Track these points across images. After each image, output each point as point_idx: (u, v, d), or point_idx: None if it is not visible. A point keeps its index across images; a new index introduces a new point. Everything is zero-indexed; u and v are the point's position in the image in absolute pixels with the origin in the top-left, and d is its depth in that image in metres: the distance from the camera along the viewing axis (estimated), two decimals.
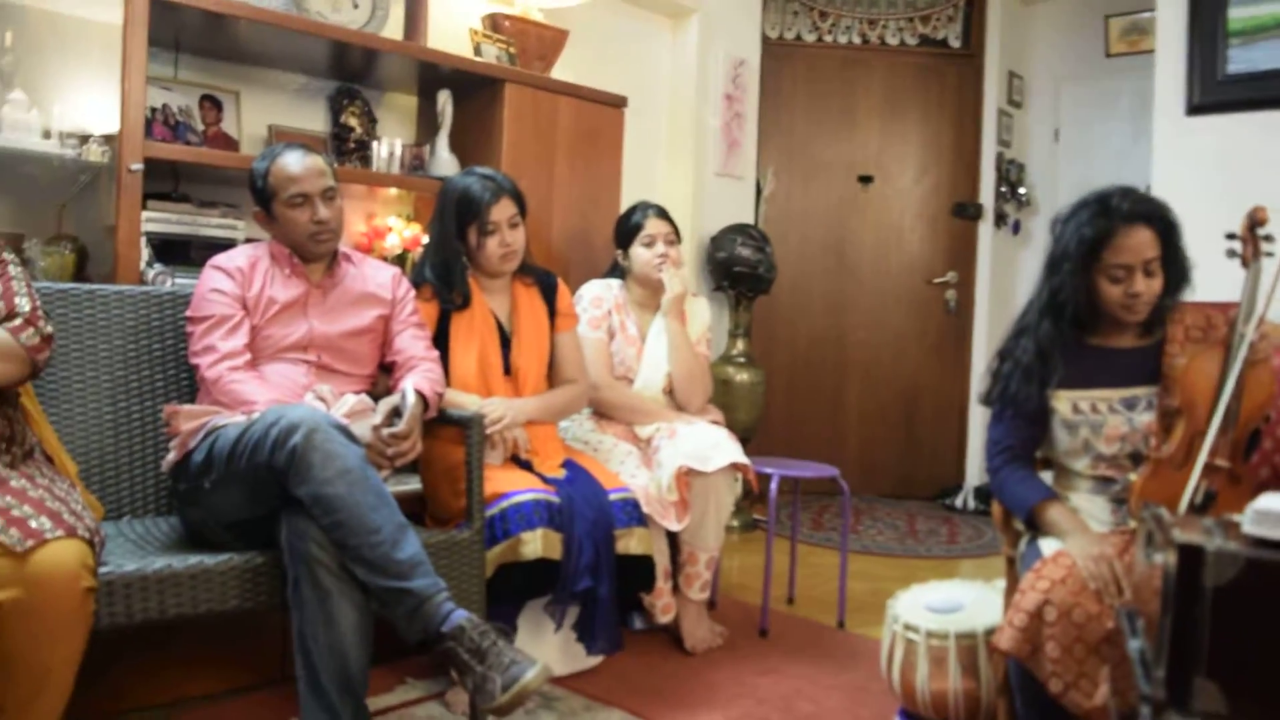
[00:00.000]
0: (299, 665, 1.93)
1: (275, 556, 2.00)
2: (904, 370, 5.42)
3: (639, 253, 3.07)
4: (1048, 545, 1.99)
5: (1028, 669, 1.84)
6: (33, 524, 1.72)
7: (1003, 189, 5.46)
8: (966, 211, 5.37)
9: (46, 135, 2.55)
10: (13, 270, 2.03)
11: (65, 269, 2.66)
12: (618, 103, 3.73)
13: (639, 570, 2.63)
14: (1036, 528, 2.07)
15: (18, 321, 1.93)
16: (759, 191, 4.93)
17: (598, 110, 3.66)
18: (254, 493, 2.01)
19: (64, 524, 1.74)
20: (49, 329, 1.97)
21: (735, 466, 2.81)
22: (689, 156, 4.54)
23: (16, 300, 1.97)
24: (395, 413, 2.25)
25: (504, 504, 2.42)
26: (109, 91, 2.59)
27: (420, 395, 2.31)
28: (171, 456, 2.18)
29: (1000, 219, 5.46)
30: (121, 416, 2.35)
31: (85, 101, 2.68)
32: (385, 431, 2.18)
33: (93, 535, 1.80)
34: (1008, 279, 5.56)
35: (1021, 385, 2.09)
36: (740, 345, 4.53)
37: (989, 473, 2.18)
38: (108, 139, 2.60)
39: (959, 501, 5.22)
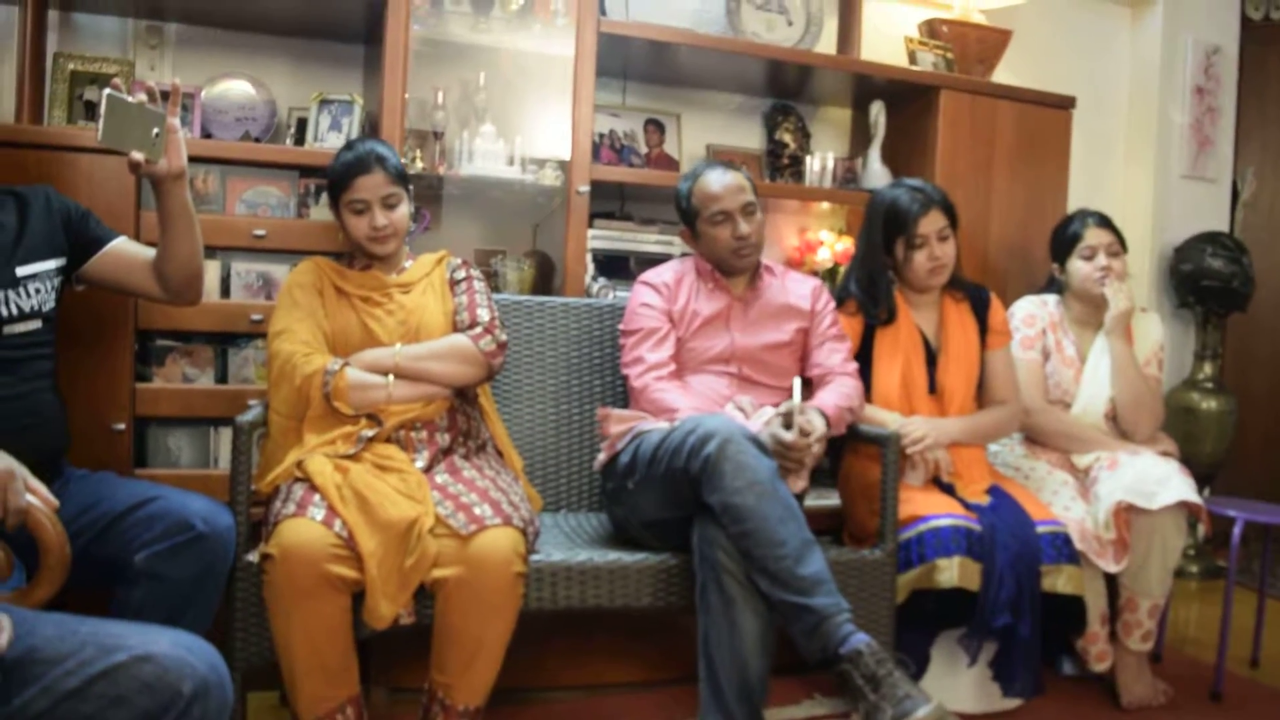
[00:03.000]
0: (701, 666, 1.99)
1: (689, 559, 2.08)
2: None
3: (1078, 266, 2.83)
4: None
5: None
6: (476, 510, 1.93)
7: None
8: None
9: (510, 162, 2.85)
10: (477, 284, 2.31)
11: (526, 282, 2.96)
12: (1064, 104, 3.48)
13: (1069, 611, 2.44)
14: None
15: (478, 330, 2.19)
16: (1235, 196, 4.36)
17: (1042, 113, 3.43)
18: (671, 496, 2.09)
19: (502, 513, 1.94)
20: (503, 337, 2.22)
21: (1185, 505, 2.50)
22: (1149, 158, 4.12)
23: (478, 311, 2.24)
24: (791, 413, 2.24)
25: (921, 527, 2.34)
26: (564, 120, 2.85)
27: (822, 413, 2.26)
28: (601, 457, 2.34)
29: None
30: (563, 418, 2.57)
31: (544, 130, 2.96)
32: (771, 433, 2.14)
33: (527, 525, 1.98)
34: None
35: None
36: (1207, 369, 4.02)
37: None
38: (561, 164, 2.86)
39: None
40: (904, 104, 3.35)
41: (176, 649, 1.24)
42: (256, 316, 2.49)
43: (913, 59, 3.42)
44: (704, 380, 2.42)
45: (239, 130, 2.73)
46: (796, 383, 2.26)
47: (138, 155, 1.85)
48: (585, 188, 2.79)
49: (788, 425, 2.17)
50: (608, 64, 2.95)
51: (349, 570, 1.83)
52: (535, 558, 2.00)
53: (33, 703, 1.18)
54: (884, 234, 2.64)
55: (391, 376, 2.10)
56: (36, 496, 1.55)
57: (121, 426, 2.39)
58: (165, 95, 1.92)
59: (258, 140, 2.76)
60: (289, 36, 2.96)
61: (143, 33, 2.88)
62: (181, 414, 2.49)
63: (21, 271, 1.89)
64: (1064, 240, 2.88)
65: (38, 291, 1.91)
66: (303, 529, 1.82)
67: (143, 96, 1.87)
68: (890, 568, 2.26)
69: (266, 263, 2.57)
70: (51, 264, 1.96)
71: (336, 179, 2.20)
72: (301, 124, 2.82)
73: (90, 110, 2.72)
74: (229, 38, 2.92)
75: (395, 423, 2.08)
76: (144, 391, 2.44)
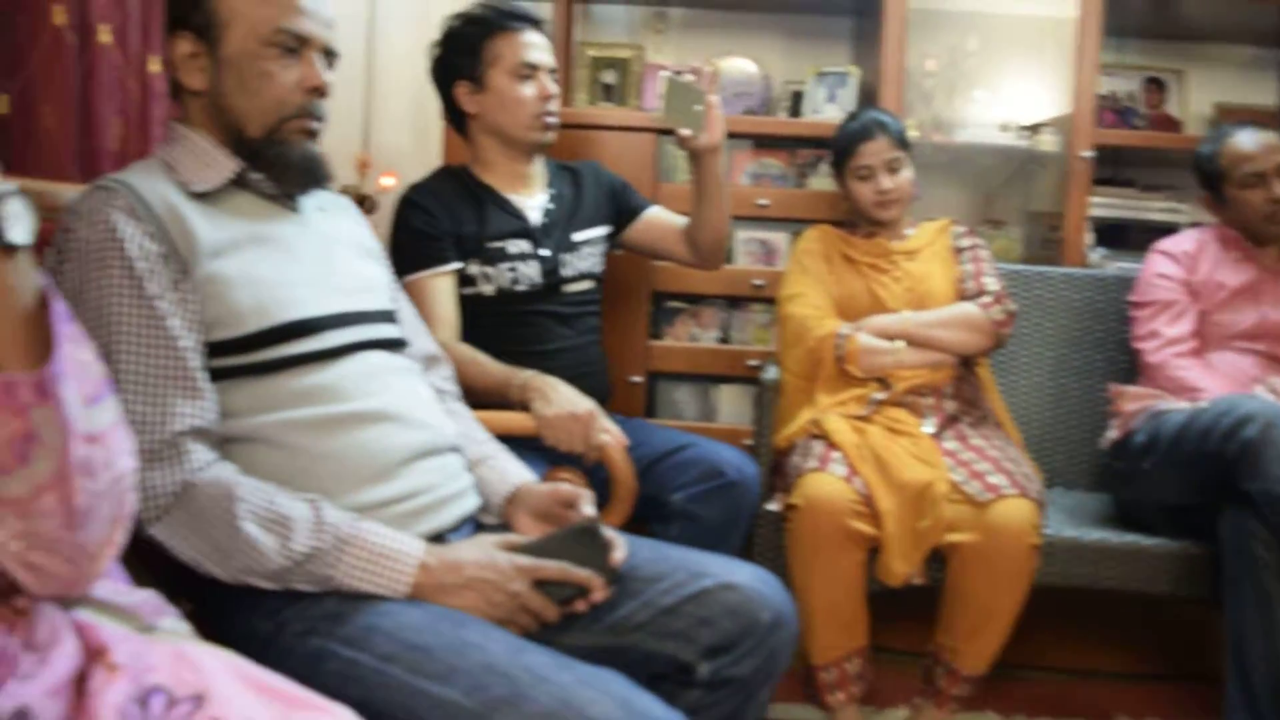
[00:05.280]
0: (1230, 665, 1.86)
1: (1210, 548, 1.95)
2: None
3: None
4: None
5: None
6: (991, 479, 1.93)
7: None
8: None
9: (1003, 129, 2.78)
10: (982, 253, 2.29)
11: (1011, 251, 2.89)
12: None
13: None
14: None
15: (988, 299, 2.18)
16: None
17: None
18: (1195, 480, 1.97)
19: (1018, 484, 1.92)
20: (1013, 306, 2.19)
21: None
22: None
23: (985, 280, 2.22)
24: None
25: None
26: (1056, 82, 2.74)
27: None
28: (1112, 434, 2.24)
29: None
30: (1061, 392, 2.50)
31: (1034, 93, 2.86)
32: None
33: (1041, 498, 1.95)
34: None
35: None
36: None
37: None
38: (1058, 128, 2.75)
39: None
40: None
41: (756, 581, 1.35)
42: (758, 282, 2.64)
43: None
44: (1226, 358, 2.24)
45: (739, 106, 2.88)
46: None
47: (686, 130, 2.01)
48: (1089, 152, 2.66)
49: None
50: (1105, 20, 2.79)
51: (866, 526, 1.90)
52: (1046, 532, 1.97)
53: (635, 614, 1.33)
54: None
55: (901, 342, 2.14)
56: (609, 435, 1.76)
57: (638, 379, 2.63)
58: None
59: (755, 114, 2.90)
60: (780, 13, 3.07)
61: (650, 19, 3.12)
62: (687, 370, 2.70)
63: (577, 237, 2.13)
64: None
65: (590, 255, 2.15)
66: (826, 483, 1.91)
67: (691, 77, 2.03)
68: None
69: (767, 231, 2.71)
70: (600, 230, 2.19)
71: (842, 147, 2.28)
72: (796, 97, 2.92)
73: (608, 92, 3.00)
74: (725, 18, 3.09)
75: (904, 387, 2.12)
76: (657, 348, 2.67)
